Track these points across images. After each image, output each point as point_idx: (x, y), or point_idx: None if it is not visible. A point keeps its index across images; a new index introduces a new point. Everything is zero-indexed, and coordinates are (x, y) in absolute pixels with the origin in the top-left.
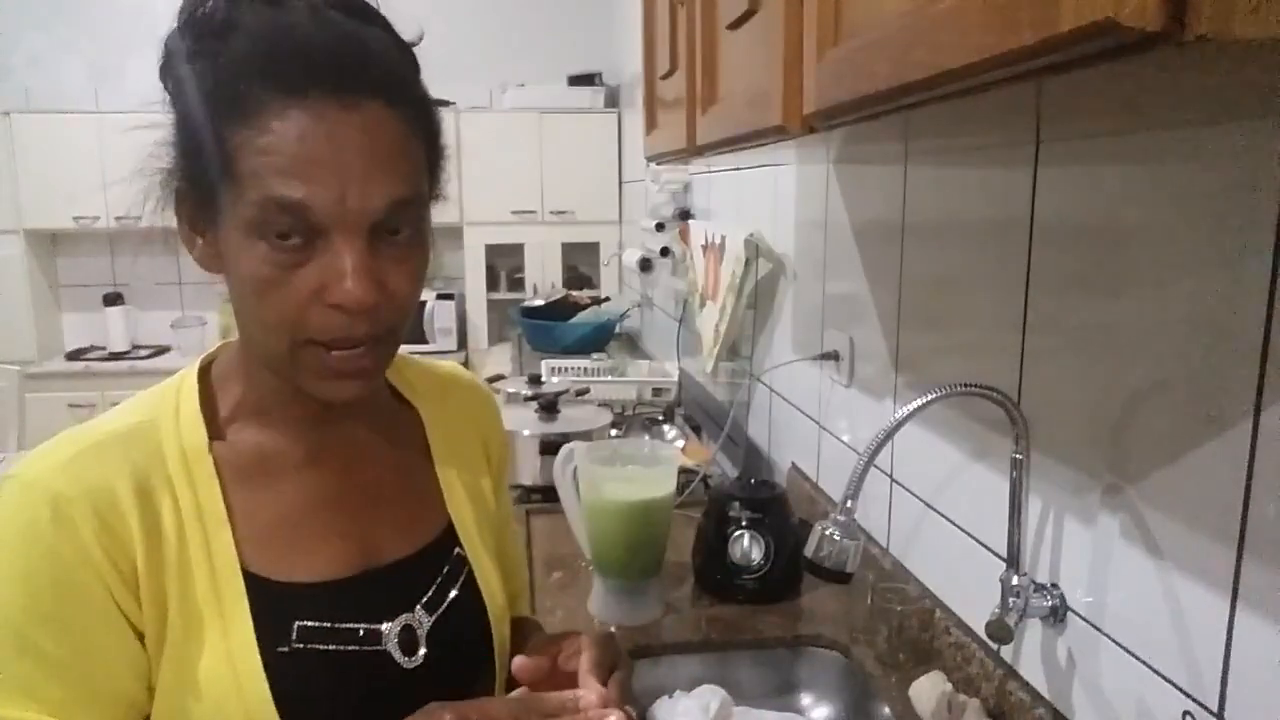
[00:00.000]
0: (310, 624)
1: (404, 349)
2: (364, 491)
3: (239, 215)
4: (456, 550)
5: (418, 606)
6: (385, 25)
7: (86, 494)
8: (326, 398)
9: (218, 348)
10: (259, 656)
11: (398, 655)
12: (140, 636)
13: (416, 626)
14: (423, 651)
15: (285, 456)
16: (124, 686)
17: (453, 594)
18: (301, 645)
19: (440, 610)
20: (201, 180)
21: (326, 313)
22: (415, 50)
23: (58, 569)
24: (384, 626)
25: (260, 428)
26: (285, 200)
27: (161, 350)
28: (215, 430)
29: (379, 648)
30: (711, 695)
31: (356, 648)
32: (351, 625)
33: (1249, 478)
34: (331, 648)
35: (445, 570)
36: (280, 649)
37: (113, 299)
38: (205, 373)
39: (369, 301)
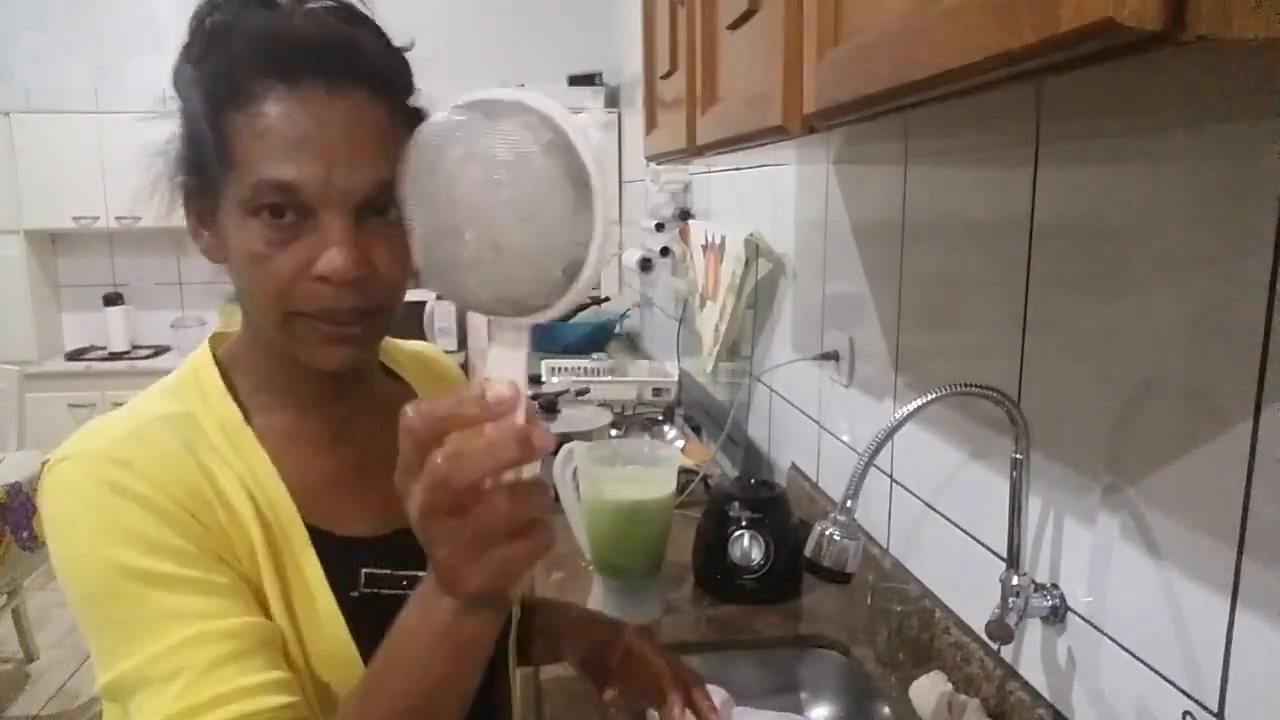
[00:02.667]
0: (375, 571)
1: None
2: (384, 460)
3: (236, 197)
4: None
5: None
6: (375, 28)
7: (153, 459)
8: (318, 364)
9: (212, 338)
10: (334, 598)
11: None
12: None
13: None
14: None
15: (311, 434)
16: (249, 589)
17: None
18: (370, 591)
19: None
20: (203, 171)
21: (314, 285)
22: (412, 51)
23: (150, 509)
24: (424, 574)
25: (282, 409)
26: (278, 180)
27: (161, 350)
28: (241, 410)
29: None
30: (711, 695)
31: (410, 593)
32: (408, 572)
33: (1249, 478)
34: (395, 593)
35: None
36: (352, 594)
37: (113, 299)
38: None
39: (352, 273)
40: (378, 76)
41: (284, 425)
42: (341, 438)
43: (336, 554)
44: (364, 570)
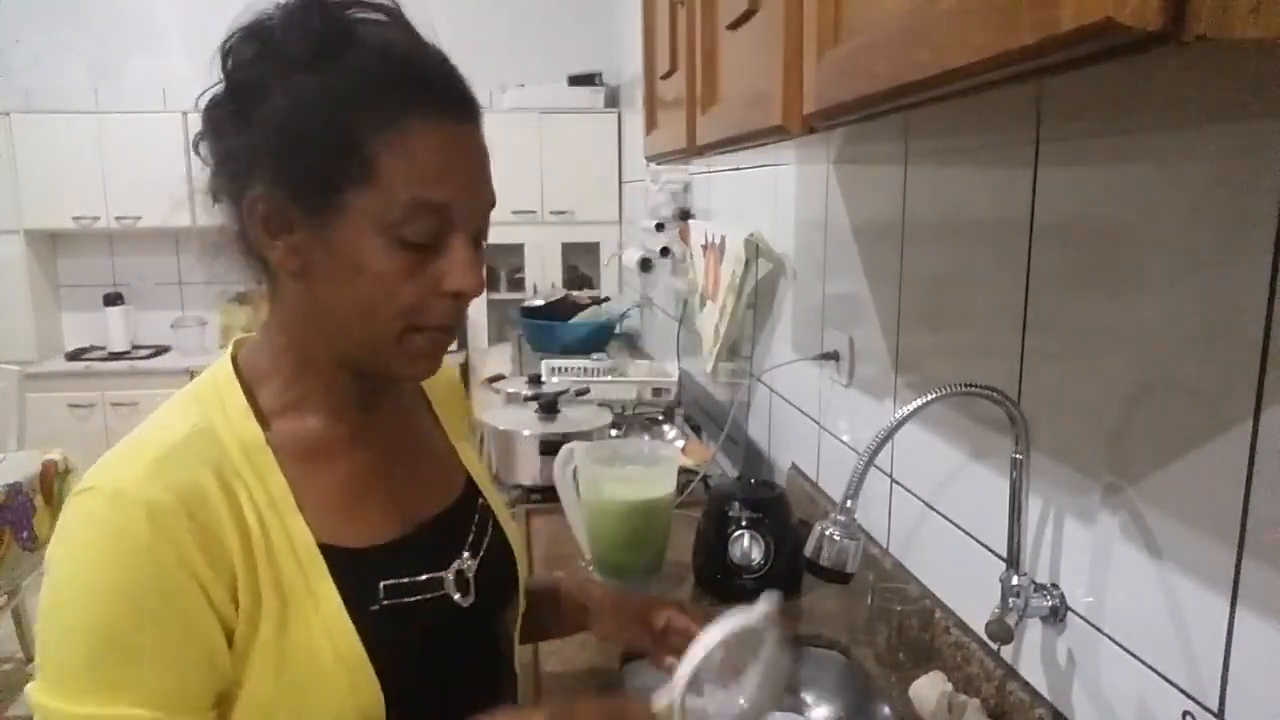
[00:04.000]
0: (392, 582)
1: None
2: (401, 459)
3: (375, 214)
4: (480, 500)
5: (464, 551)
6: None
7: (180, 498)
8: (411, 374)
9: (234, 344)
10: (350, 621)
11: (456, 597)
12: (229, 636)
13: (466, 570)
14: (473, 590)
15: (330, 440)
16: (216, 675)
17: (487, 538)
18: (389, 602)
19: (482, 551)
20: (311, 183)
21: (442, 301)
22: None
23: (159, 574)
24: (443, 574)
25: (302, 416)
26: (432, 202)
27: (161, 350)
28: (262, 422)
29: (442, 593)
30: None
31: (428, 596)
32: (421, 577)
33: (1249, 478)
34: (410, 599)
35: (477, 518)
36: (371, 608)
37: (113, 299)
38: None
39: (480, 290)
40: (477, 108)
41: (304, 432)
42: (361, 441)
43: (354, 571)
44: (383, 583)
